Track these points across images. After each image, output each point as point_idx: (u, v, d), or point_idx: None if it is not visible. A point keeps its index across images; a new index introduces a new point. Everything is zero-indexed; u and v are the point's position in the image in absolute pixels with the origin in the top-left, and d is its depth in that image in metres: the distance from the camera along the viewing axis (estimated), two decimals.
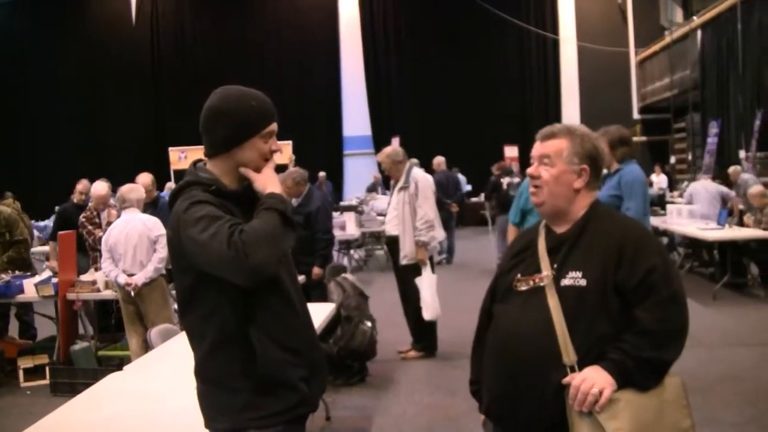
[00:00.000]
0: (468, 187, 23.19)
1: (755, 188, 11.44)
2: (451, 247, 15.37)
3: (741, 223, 11.35)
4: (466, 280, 12.72)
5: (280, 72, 25.60)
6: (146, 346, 6.42)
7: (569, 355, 2.44)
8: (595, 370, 2.40)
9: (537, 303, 2.54)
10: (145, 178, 9.06)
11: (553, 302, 2.51)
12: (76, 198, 9.78)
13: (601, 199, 5.48)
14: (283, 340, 2.53)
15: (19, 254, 8.52)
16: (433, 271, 7.88)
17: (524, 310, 2.58)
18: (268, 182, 2.54)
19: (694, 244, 12.53)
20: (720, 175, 15.95)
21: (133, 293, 7.12)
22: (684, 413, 2.46)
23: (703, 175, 14.39)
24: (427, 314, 7.75)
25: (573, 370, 2.43)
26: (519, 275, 2.66)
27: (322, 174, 21.33)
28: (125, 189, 7.47)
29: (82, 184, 9.79)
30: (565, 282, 2.52)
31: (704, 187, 12.95)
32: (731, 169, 14.54)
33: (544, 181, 2.65)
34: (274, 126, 2.62)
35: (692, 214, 12.05)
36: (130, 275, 7.13)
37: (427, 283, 7.71)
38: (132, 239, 7.15)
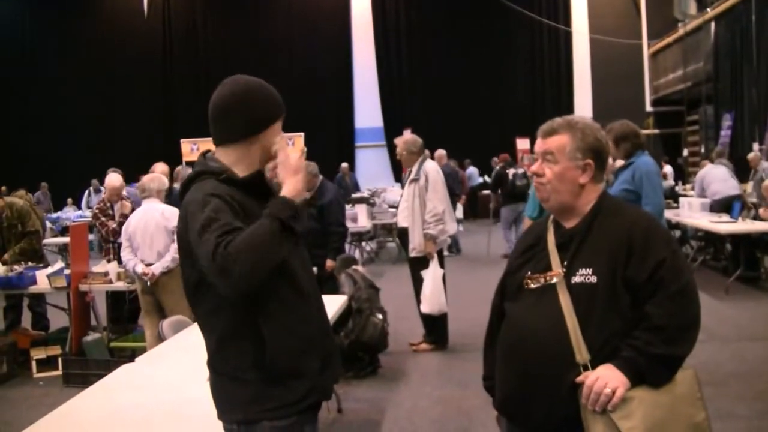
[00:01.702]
0: (480, 180, 23.20)
1: None
2: (456, 239, 15.38)
3: (757, 216, 11.25)
4: (476, 273, 12.72)
5: (291, 64, 25.59)
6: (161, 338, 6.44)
7: (582, 353, 2.42)
8: (608, 369, 2.38)
9: (548, 301, 2.52)
10: (162, 168, 9.07)
11: (565, 300, 2.48)
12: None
13: (614, 192, 5.50)
14: (294, 328, 2.52)
15: (30, 245, 8.57)
16: (441, 265, 7.87)
17: (536, 308, 2.56)
18: (287, 176, 2.51)
19: (707, 237, 12.47)
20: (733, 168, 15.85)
21: (149, 283, 7.14)
22: (698, 406, 2.44)
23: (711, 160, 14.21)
24: (425, 307, 7.74)
25: (586, 369, 2.41)
26: (529, 272, 2.64)
27: (344, 165, 21.33)
28: (147, 178, 7.49)
29: (159, 169, 9.37)
30: (576, 279, 2.50)
31: (714, 168, 12.87)
32: (751, 155, 14.44)
33: (548, 179, 2.62)
34: (283, 116, 2.67)
35: (710, 198, 12.15)
36: (148, 265, 7.15)
37: (431, 276, 7.70)
38: (149, 229, 7.17)
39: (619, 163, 5.95)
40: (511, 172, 14.06)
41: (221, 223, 2.33)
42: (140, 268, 7.16)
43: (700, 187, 12.90)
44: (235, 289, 2.30)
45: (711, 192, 12.36)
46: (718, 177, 12.51)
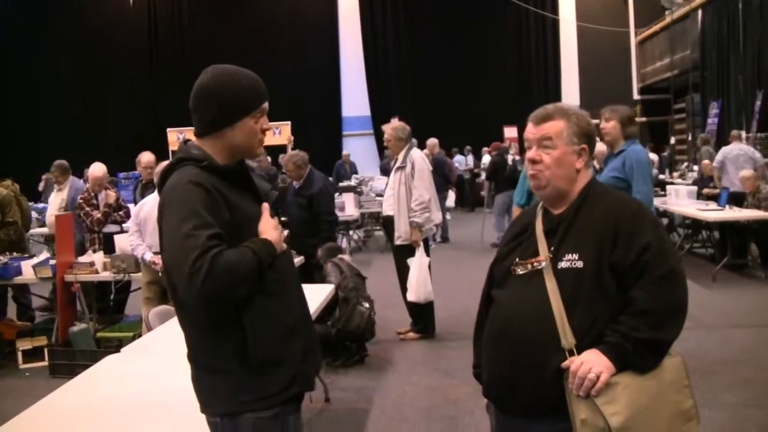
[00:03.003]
0: (465, 166, 23.33)
1: (744, 172, 11.44)
2: (445, 227, 15.41)
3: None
4: (464, 261, 12.73)
5: (278, 52, 25.49)
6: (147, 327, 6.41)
7: (567, 338, 2.41)
8: (594, 354, 2.37)
9: (535, 287, 2.51)
10: (148, 157, 9.00)
11: (551, 285, 2.47)
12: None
13: (604, 179, 5.51)
14: (276, 317, 2.50)
15: (7, 236, 8.46)
16: (427, 253, 7.86)
17: (522, 294, 2.55)
18: (266, 229, 2.51)
19: (694, 225, 12.50)
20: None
21: (160, 273, 7.08)
22: (685, 394, 2.43)
23: (735, 139, 13.93)
24: (411, 296, 7.74)
25: (571, 354, 2.40)
26: (517, 259, 2.62)
27: (345, 153, 21.36)
28: (162, 166, 7.42)
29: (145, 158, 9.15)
30: (563, 264, 2.49)
31: (739, 155, 12.76)
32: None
33: (546, 165, 2.59)
34: (265, 105, 2.59)
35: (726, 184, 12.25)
36: (155, 253, 7.10)
37: (417, 264, 7.69)
38: None
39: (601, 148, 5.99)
40: (509, 158, 14.06)
41: (205, 222, 2.32)
42: (149, 256, 7.15)
43: (721, 161, 12.88)
44: (194, 299, 2.29)
45: (727, 179, 12.41)
46: (735, 168, 12.46)
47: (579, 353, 2.39)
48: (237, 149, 2.57)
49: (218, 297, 2.29)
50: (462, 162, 23.33)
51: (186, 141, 2.62)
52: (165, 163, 7.38)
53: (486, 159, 20.11)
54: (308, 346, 2.62)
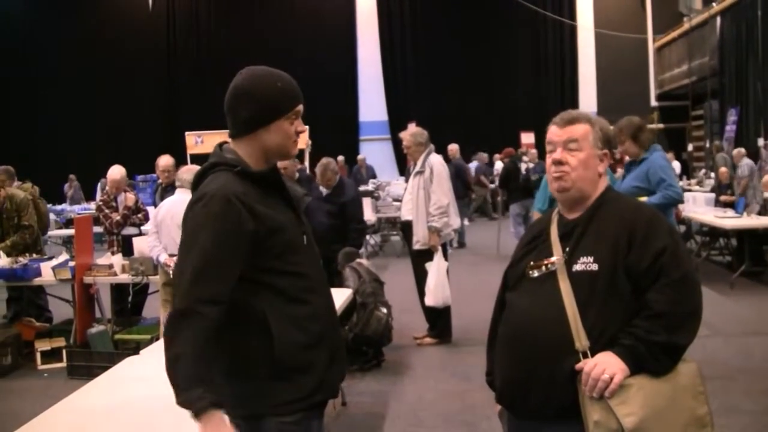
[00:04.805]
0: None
1: (767, 177, 11.38)
2: (461, 233, 15.38)
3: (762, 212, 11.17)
4: (481, 266, 12.71)
5: (296, 56, 25.49)
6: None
7: (581, 340, 2.42)
8: (608, 356, 2.38)
9: (549, 289, 2.52)
10: (166, 160, 9.04)
11: (565, 287, 2.48)
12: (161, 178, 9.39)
13: (625, 188, 5.51)
14: (303, 325, 2.49)
15: (22, 239, 8.47)
16: (446, 258, 7.86)
17: (536, 296, 2.56)
18: None
19: (711, 233, 12.44)
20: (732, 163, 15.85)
21: (172, 275, 7.11)
22: (699, 400, 2.43)
23: None
24: (430, 300, 7.74)
25: (585, 356, 2.41)
26: (531, 262, 2.63)
27: (360, 157, 21.34)
28: (183, 169, 7.50)
29: (164, 161, 9.20)
30: (577, 267, 2.49)
31: None
32: (735, 152, 14.41)
33: (573, 167, 2.59)
34: (299, 108, 2.61)
35: None
36: (171, 255, 7.13)
37: (435, 269, 7.69)
38: (176, 219, 7.14)
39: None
40: (524, 166, 13.99)
41: (214, 272, 2.36)
42: (164, 258, 7.16)
43: None
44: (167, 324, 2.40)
45: None
46: None
47: (593, 356, 2.40)
48: (271, 151, 2.57)
49: (170, 342, 2.36)
50: (473, 167, 23.28)
51: (221, 144, 2.62)
52: (191, 167, 7.46)
53: (498, 166, 20.06)
54: (334, 354, 2.61)
